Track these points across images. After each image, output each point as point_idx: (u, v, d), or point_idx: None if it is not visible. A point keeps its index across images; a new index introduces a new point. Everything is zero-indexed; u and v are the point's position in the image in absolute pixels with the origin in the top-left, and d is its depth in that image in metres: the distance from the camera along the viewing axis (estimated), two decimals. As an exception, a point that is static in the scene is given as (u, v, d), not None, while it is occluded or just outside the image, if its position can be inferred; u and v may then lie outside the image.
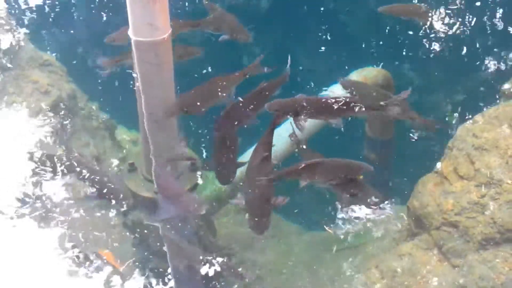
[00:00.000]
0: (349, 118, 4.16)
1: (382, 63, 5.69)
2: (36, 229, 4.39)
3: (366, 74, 5.45)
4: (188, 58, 4.67)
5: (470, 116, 4.54)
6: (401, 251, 4.30)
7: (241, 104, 3.86)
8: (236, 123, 3.85)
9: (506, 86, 4.86)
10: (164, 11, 3.51)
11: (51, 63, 5.37)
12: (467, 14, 6.40)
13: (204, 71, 6.18)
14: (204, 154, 5.07)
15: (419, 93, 6.41)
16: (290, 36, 6.76)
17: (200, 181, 4.47)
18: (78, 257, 4.34)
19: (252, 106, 3.86)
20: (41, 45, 5.85)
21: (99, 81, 6.21)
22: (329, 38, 6.70)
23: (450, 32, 6.38)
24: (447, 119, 4.63)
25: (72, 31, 6.47)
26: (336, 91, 5.28)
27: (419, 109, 6.26)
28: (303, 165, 3.67)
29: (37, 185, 4.54)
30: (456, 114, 5.18)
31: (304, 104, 3.70)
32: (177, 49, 4.60)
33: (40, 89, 5.10)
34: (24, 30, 5.51)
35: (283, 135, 4.43)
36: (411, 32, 6.52)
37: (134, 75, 3.82)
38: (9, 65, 5.13)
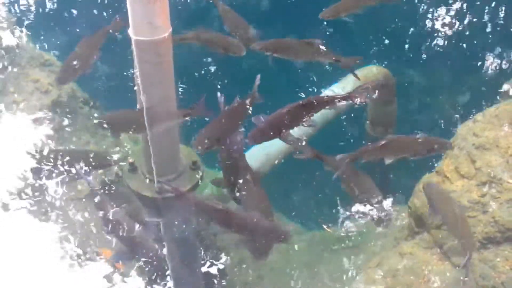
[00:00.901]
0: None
1: (382, 62, 5.69)
2: (36, 227, 4.39)
3: (367, 73, 5.45)
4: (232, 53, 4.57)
5: (471, 115, 4.55)
6: (402, 250, 4.30)
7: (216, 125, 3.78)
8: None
9: (506, 85, 4.87)
10: (165, 10, 3.50)
11: (51, 63, 5.37)
12: (468, 13, 6.40)
13: (205, 69, 6.19)
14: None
15: (420, 91, 6.41)
16: (290, 35, 6.75)
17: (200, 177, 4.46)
18: (78, 255, 4.34)
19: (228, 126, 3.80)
20: (42, 44, 5.85)
21: (100, 79, 6.26)
22: (329, 37, 6.69)
23: (451, 31, 6.38)
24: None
25: (72, 31, 6.47)
26: (336, 90, 5.29)
27: (420, 107, 6.29)
28: (383, 143, 3.72)
29: (37, 183, 4.54)
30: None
31: (281, 121, 3.63)
32: (221, 40, 4.59)
33: (41, 89, 5.10)
34: (24, 29, 5.51)
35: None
36: (411, 31, 6.52)
37: (135, 74, 3.81)
38: (9, 64, 5.14)
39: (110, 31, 4.76)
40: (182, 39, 4.55)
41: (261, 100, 3.75)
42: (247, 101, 3.76)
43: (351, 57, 4.33)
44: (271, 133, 3.60)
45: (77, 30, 6.46)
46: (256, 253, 3.86)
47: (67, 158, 4.42)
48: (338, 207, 4.57)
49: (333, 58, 4.27)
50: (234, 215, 3.72)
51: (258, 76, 3.77)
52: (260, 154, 5.05)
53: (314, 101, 3.59)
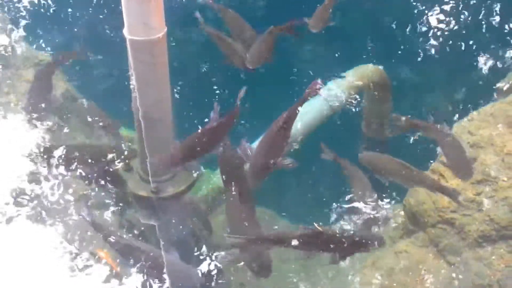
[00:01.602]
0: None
1: (378, 61, 5.69)
2: (32, 228, 4.38)
3: (362, 71, 5.45)
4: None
5: (467, 114, 4.56)
6: (398, 249, 4.30)
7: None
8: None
9: (501, 83, 4.88)
10: (159, 10, 3.49)
11: (46, 63, 5.35)
12: (463, 12, 6.41)
13: (201, 70, 6.17)
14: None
15: (415, 90, 6.41)
16: (286, 36, 6.75)
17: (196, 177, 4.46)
18: (75, 257, 4.33)
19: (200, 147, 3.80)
20: (36, 44, 5.84)
21: (95, 79, 6.24)
22: (325, 36, 6.69)
23: (446, 30, 6.39)
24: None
25: (67, 31, 6.45)
26: (332, 87, 5.29)
27: (415, 105, 6.29)
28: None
29: (33, 184, 4.52)
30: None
31: (270, 151, 3.63)
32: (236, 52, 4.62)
33: (35, 89, 5.08)
34: (19, 29, 5.49)
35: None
36: (407, 30, 6.53)
37: (130, 74, 3.81)
38: (3, 65, 5.12)
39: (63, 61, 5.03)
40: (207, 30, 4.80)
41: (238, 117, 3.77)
42: (225, 120, 3.77)
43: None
44: (268, 167, 3.62)
45: (72, 30, 6.45)
46: (258, 271, 3.84)
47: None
48: (333, 207, 4.57)
49: (280, 28, 4.60)
50: (326, 235, 3.59)
51: (243, 90, 3.77)
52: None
53: (286, 118, 3.58)
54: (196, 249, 4.34)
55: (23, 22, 6.07)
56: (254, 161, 3.67)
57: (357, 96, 5.45)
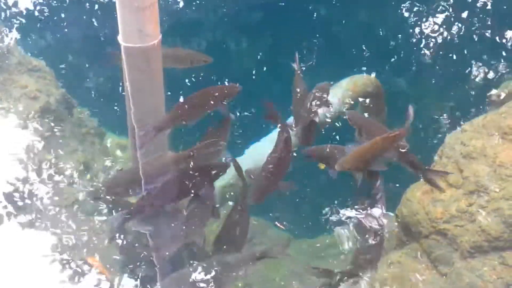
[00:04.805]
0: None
1: (372, 72, 5.72)
2: (23, 235, 4.35)
3: (356, 81, 5.48)
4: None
5: (459, 125, 4.58)
6: (390, 259, 4.30)
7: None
8: None
9: (494, 94, 4.91)
10: (154, 17, 3.50)
11: (40, 68, 5.34)
12: (456, 23, 6.46)
13: (196, 76, 6.17)
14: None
15: (409, 100, 6.44)
16: (281, 45, 6.78)
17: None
18: (66, 263, 4.30)
19: None
20: (30, 50, 5.82)
21: (89, 86, 6.24)
22: (319, 47, 6.72)
23: (440, 41, 6.44)
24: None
25: (61, 36, 6.44)
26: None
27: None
28: None
29: (25, 190, 4.50)
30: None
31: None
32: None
33: (29, 94, 5.06)
34: (13, 34, 5.48)
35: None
36: (401, 41, 6.57)
37: (124, 81, 3.80)
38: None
39: None
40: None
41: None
42: None
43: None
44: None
45: (66, 36, 6.44)
46: None
47: None
48: (326, 215, 4.57)
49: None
50: None
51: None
52: (249, 162, 5.05)
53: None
54: (187, 257, 4.33)
55: (17, 27, 6.07)
56: (259, 181, 3.89)
57: (352, 105, 5.47)
